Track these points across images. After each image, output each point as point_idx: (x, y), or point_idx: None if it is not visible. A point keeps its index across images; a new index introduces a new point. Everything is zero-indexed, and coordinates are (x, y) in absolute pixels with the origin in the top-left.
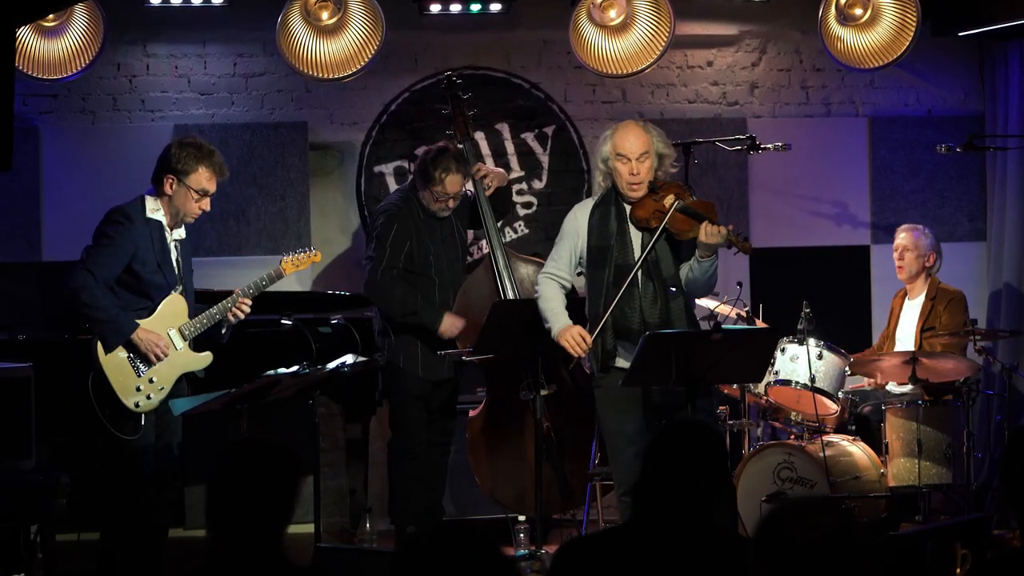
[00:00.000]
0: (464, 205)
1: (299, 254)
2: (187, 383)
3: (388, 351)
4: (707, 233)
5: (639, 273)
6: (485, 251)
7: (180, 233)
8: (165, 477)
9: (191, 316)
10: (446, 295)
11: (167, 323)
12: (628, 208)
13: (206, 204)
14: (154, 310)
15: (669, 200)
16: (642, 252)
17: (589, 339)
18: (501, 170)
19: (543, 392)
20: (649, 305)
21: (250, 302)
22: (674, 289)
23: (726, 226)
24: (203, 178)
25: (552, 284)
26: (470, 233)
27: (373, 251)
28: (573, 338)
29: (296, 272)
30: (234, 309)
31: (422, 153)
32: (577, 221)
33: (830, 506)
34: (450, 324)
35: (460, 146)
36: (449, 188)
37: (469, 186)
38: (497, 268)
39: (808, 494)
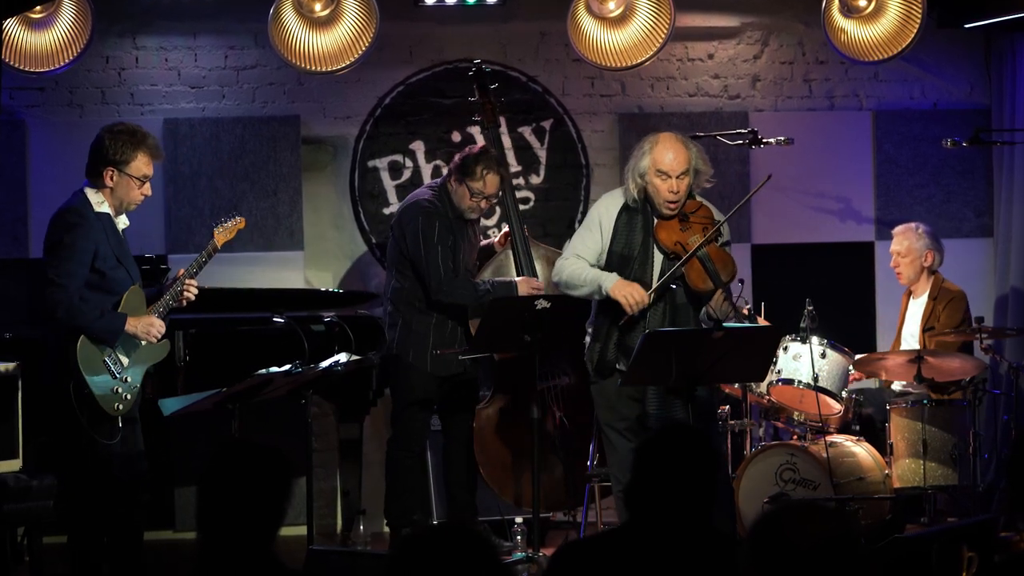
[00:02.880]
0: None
1: (226, 223)
2: (151, 380)
3: (397, 344)
4: (715, 304)
5: (652, 294)
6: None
7: (124, 221)
8: (136, 481)
9: (147, 305)
10: None
11: (131, 314)
12: (655, 221)
13: (148, 189)
14: (119, 304)
15: (693, 240)
16: (661, 273)
17: (647, 297)
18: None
19: (555, 384)
20: (658, 326)
21: (196, 283)
22: (675, 287)
23: (738, 305)
24: (142, 164)
25: (579, 260)
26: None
27: (423, 252)
28: (632, 296)
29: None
30: (184, 293)
31: (464, 151)
32: (607, 216)
33: (829, 511)
34: (527, 288)
35: (486, 131)
36: (488, 187)
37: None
38: (518, 255)
39: (809, 496)
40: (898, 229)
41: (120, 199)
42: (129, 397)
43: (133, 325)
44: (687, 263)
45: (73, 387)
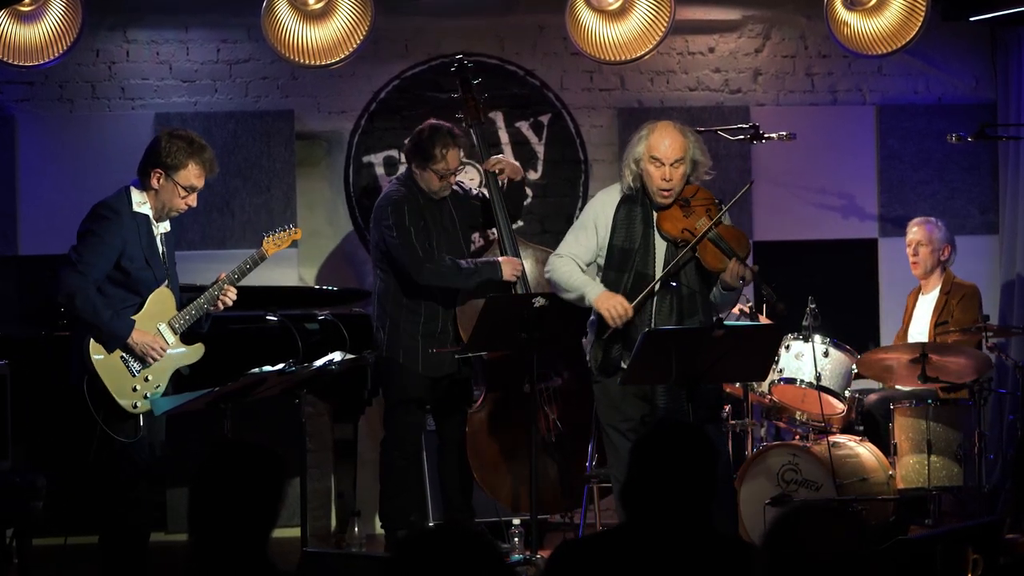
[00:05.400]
0: (474, 205)
1: (279, 233)
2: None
3: (387, 346)
4: (732, 274)
5: (656, 286)
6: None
7: (165, 226)
8: (151, 478)
9: (179, 308)
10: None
11: (156, 318)
12: (655, 214)
13: (192, 200)
14: (142, 306)
15: (701, 223)
16: (664, 264)
17: (631, 309)
18: (516, 163)
19: (548, 385)
20: (663, 321)
21: (235, 290)
22: (674, 284)
23: (752, 267)
24: (192, 175)
25: (571, 263)
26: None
27: (396, 238)
28: (614, 308)
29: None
30: (221, 297)
31: (415, 134)
32: (604, 212)
33: (844, 514)
34: (511, 268)
35: (469, 128)
36: (451, 163)
37: (468, 183)
38: (503, 245)
39: (812, 497)
40: (916, 220)
41: (163, 203)
42: (149, 395)
43: (135, 340)
44: (699, 248)
45: (87, 384)
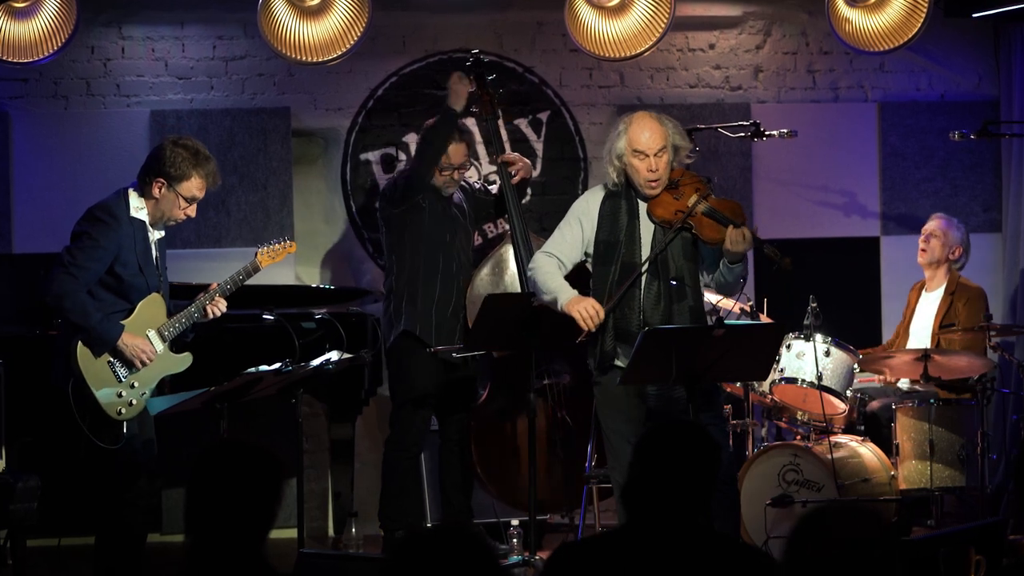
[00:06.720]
0: (479, 200)
1: (274, 245)
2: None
3: (405, 319)
4: (732, 240)
5: (644, 273)
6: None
7: (160, 232)
8: (145, 477)
9: (168, 316)
10: (463, 277)
11: (146, 324)
12: (641, 204)
13: (192, 211)
14: (132, 312)
15: (692, 199)
16: (652, 250)
17: (603, 312)
18: (528, 162)
19: (557, 381)
20: (651, 307)
21: (225, 301)
22: (674, 283)
23: (752, 229)
24: (194, 186)
25: (552, 261)
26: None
27: (405, 171)
28: (586, 310)
29: (274, 264)
30: (210, 307)
31: (423, 127)
32: (588, 209)
33: (869, 514)
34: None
35: (485, 123)
36: (453, 159)
37: (471, 178)
38: (519, 254)
39: (813, 498)
40: (939, 214)
41: (162, 212)
42: (135, 403)
43: (125, 342)
44: (696, 224)
45: (72, 388)
